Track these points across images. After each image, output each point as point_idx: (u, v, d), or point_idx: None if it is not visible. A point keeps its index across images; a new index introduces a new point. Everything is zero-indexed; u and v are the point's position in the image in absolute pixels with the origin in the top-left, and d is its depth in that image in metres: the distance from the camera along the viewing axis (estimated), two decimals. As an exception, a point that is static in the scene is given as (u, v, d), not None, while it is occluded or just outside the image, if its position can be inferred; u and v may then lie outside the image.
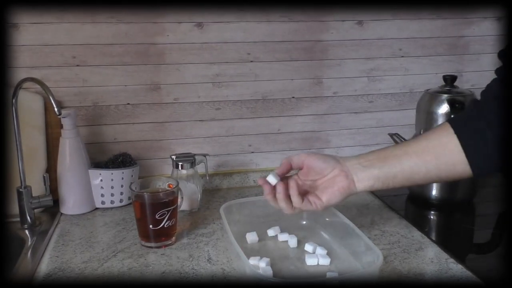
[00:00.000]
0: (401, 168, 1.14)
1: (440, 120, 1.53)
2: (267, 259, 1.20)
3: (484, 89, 1.14)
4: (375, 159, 1.16)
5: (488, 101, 1.11)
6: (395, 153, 1.15)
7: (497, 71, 1.12)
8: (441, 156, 1.12)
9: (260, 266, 1.17)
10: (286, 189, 1.17)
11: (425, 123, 1.57)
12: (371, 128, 1.83)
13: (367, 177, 1.15)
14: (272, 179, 1.18)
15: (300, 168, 1.22)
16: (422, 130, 1.58)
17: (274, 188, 1.18)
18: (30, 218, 1.42)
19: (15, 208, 1.42)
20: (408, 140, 1.13)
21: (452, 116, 1.07)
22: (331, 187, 1.17)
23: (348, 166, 1.16)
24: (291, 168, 1.21)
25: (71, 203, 1.51)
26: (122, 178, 1.54)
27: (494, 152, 1.08)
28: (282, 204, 1.17)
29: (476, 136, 1.09)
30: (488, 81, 1.13)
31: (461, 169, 1.11)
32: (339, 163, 1.17)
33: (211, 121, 1.70)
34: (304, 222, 1.42)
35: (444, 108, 1.52)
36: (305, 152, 1.22)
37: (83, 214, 1.52)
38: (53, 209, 1.50)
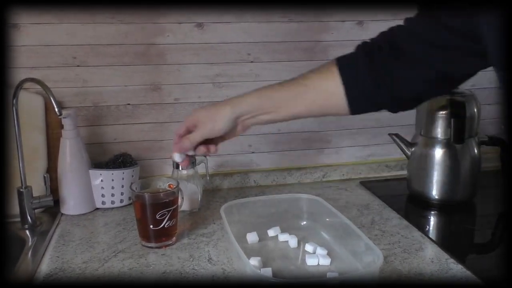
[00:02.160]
0: (285, 114, 1.20)
1: (441, 121, 1.53)
2: (258, 258, 1.20)
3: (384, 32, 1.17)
4: (262, 105, 1.20)
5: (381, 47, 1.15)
6: (286, 102, 1.19)
7: (406, 20, 1.14)
8: (328, 107, 1.20)
9: (252, 264, 1.17)
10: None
11: (426, 123, 1.57)
12: (371, 128, 1.83)
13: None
14: (177, 158, 1.23)
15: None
16: (422, 131, 1.58)
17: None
18: (31, 218, 1.42)
19: (15, 209, 1.42)
20: (298, 85, 1.17)
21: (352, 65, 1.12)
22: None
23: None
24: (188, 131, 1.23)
25: (72, 203, 1.51)
26: (123, 179, 1.54)
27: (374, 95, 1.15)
28: None
29: (358, 81, 1.14)
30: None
31: (342, 110, 1.18)
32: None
33: (211, 121, 1.70)
34: (305, 222, 1.42)
35: (444, 109, 1.52)
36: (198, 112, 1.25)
37: (84, 214, 1.52)
38: (53, 209, 1.51)
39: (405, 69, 1.11)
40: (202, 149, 1.22)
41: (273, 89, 1.19)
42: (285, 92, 1.18)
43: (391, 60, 1.12)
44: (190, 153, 1.22)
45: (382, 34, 1.17)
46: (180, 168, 1.50)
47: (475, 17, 0.95)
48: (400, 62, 1.11)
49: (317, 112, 1.24)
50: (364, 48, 1.17)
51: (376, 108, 1.20)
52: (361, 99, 1.16)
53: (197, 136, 1.20)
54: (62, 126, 1.48)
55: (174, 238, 1.34)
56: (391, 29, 1.15)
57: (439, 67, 1.09)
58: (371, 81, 1.13)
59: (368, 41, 1.18)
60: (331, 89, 1.16)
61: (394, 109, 1.20)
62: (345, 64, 1.16)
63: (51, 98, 1.30)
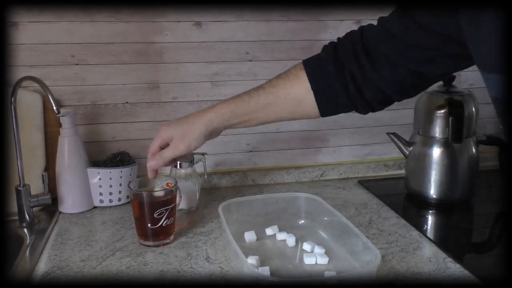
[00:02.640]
0: (256, 122, 1.25)
1: (439, 120, 1.53)
2: (256, 257, 1.20)
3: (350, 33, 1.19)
4: (232, 119, 1.23)
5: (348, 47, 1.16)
6: (256, 113, 1.22)
7: (380, 19, 1.15)
8: (298, 112, 1.23)
9: (249, 262, 1.17)
10: None
11: (424, 122, 1.57)
12: (369, 128, 1.84)
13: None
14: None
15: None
16: (420, 130, 1.59)
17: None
18: (29, 217, 1.42)
19: (13, 207, 1.42)
20: (267, 94, 1.20)
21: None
22: None
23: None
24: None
25: (70, 201, 1.51)
26: (121, 177, 1.54)
27: (342, 96, 1.17)
28: None
29: (326, 84, 1.17)
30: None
31: (313, 114, 1.22)
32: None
33: (209, 120, 1.70)
34: (303, 221, 1.42)
35: (442, 108, 1.52)
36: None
37: (82, 212, 1.52)
38: (51, 207, 1.50)
39: (377, 70, 1.12)
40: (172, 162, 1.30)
41: (242, 101, 1.22)
42: (254, 103, 1.21)
43: (361, 62, 1.12)
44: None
45: (351, 33, 1.18)
46: (179, 167, 1.51)
47: (455, 18, 0.95)
48: (371, 63, 1.12)
49: (287, 118, 1.27)
50: (332, 50, 1.18)
51: (346, 110, 1.22)
52: (330, 102, 1.19)
53: (170, 155, 1.24)
54: (60, 125, 1.48)
55: (172, 237, 1.34)
56: (361, 29, 1.16)
57: (412, 68, 1.09)
58: (340, 84, 1.15)
59: (335, 41, 1.20)
60: (300, 95, 1.19)
61: (364, 110, 1.21)
62: (313, 69, 1.19)
63: (50, 97, 1.30)
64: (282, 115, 1.24)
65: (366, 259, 1.14)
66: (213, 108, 1.23)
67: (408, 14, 1.07)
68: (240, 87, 1.65)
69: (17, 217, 1.42)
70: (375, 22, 1.12)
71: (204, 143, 1.25)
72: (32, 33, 1.52)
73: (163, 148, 1.25)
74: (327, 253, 1.25)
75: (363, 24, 1.20)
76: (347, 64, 1.14)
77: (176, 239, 1.35)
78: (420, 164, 1.59)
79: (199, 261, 1.24)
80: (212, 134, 1.24)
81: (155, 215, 1.28)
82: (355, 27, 1.68)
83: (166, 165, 1.27)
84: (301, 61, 1.23)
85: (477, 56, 0.94)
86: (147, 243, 1.32)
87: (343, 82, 1.14)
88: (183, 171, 1.52)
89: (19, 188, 1.40)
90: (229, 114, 1.21)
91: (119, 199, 1.56)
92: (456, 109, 1.50)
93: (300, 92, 1.19)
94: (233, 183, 1.76)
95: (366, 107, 1.19)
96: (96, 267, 1.22)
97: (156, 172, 1.27)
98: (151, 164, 1.25)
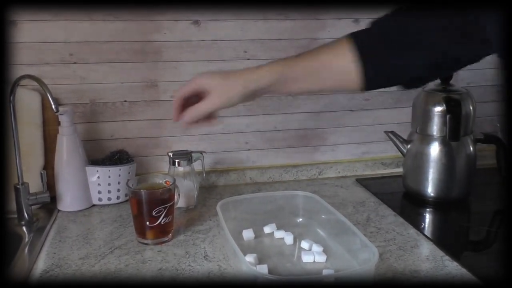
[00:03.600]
0: (298, 90, 1.21)
1: (436, 119, 1.54)
2: (254, 255, 1.21)
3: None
4: (275, 83, 1.17)
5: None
6: (298, 80, 1.17)
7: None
8: (341, 83, 1.18)
9: (247, 260, 1.17)
10: None
11: (421, 121, 1.58)
12: (367, 126, 1.84)
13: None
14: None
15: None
16: (418, 128, 1.59)
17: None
18: (28, 215, 1.42)
19: (12, 205, 1.43)
20: (312, 61, 1.16)
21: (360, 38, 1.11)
22: None
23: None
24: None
25: (68, 199, 1.51)
26: (119, 175, 1.54)
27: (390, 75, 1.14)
28: None
29: (374, 59, 1.13)
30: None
31: (356, 86, 1.16)
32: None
33: (208, 118, 1.70)
34: (300, 220, 1.43)
35: (440, 106, 1.53)
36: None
37: (80, 210, 1.52)
38: (50, 205, 1.51)
39: (418, 51, 1.09)
40: (202, 121, 1.20)
41: (286, 65, 1.16)
42: (299, 69, 1.16)
43: (406, 40, 1.10)
44: None
45: (393, 12, 1.14)
46: (177, 165, 1.51)
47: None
48: (405, 45, 1.10)
49: (328, 89, 1.25)
50: (379, 25, 1.15)
51: (388, 85, 1.19)
52: (375, 76, 1.14)
53: (207, 108, 1.17)
54: (59, 123, 1.48)
55: (170, 235, 1.35)
56: (399, 9, 1.13)
57: (441, 51, 1.08)
58: (386, 59, 1.12)
59: (381, 17, 1.15)
60: (344, 67, 1.14)
61: (407, 86, 1.19)
62: (360, 40, 1.14)
63: (48, 95, 1.30)
64: (324, 85, 1.19)
65: (364, 257, 1.14)
66: (258, 68, 1.17)
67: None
68: (238, 85, 1.66)
69: (16, 215, 1.42)
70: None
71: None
72: (31, 31, 1.52)
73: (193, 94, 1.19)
74: (325, 251, 1.25)
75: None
76: (394, 38, 1.11)
77: (175, 237, 1.36)
78: (417, 162, 1.59)
79: (197, 259, 1.25)
80: (251, 96, 1.18)
81: (153, 213, 1.29)
82: (353, 26, 1.71)
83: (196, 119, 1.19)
84: (349, 33, 1.18)
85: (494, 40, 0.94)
86: (146, 241, 1.32)
87: (391, 56, 1.11)
88: (181, 169, 1.52)
89: (18, 186, 1.41)
90: (272, 76, 1.16)
91: (118, 197, 1.56)
92: (454, 108, 1.50)
93: (344, 63, 1.14)
94: (231, 181, 1.76)
95: (410, 82, 1.17)
96: (95, 265, 1.22)
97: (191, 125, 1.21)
98: (187, 117, 1.17)
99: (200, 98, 1.18)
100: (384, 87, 1.20)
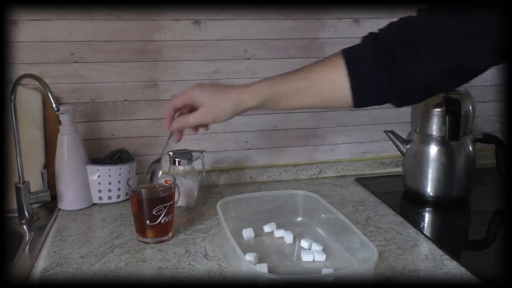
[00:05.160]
0: (288, 107, 1.20)
1: (436, 118, 1.54)
2: (254, 254, 1.21)
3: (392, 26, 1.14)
4: (265, 101, 1.18)
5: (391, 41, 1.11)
6: (288, 97, 1.18)
7: (419, 11, 1.11)
8: (332, 101, 1.17)
9: (247, 259, 1.17)
10: None
11: (421, 120, 1.58)
12: (366, 125, 1.84)
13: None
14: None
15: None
16: (417, 128, 1.59)
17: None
18: (28, 214, 1.43)
19: (13, 204, 1.43)
20: (303, 79, 1.16)
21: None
22: None
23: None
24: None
25: (69, 198, 1.52)
26: (120, 174, 1.54)
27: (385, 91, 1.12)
28: None
29: (365, 76, 1.12)
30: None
31: (346, 103, 1.15)
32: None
33: (208, 118, 1.70)
34: (300, 219, 1.43)
35: (439, 106, 1.53)
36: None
37: (81, 209, 1.53)
38: (51, 204, 1.51)
39: (418, 62, 1.07)
40: (192, 130, 1.24)
41: (277, 83, 1.18)
42: (289, 86, 1.17)
43: (401, 53, 1.08)
44: None
45: (391, 25, 1.13)
46: (177, 164, 1.51)
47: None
48: (411, 54, 1.07)
49: (319, 105, 1.22)
50: (372, 40, 1.13)
51: (381, 101, 1.18)
52: (367, 92, 1.14)
53: (195, 121, 1.20)
54: (59, 122, 1.49)
55: (170, 234, 1.35)
56: (402, 20, 1.11)
57: (453, 58, 1.05)
58: (379, 74, 1.10)
59: (376, 32, 1.14)
60: (335, 83, 1.14)
61: (398, 102, 1.18)
62: (352, 57, 1.13)
63: (49, 94, 1.31)
64: (314, 102, 1.19)
65: (363, 256, 1.15)
66: (248, 87, 1.18)
67: (444, 9, 1.05)
68: (239, 85, 1.66)
69: (16, 214, 1.43)
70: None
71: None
72: (32, 31, 1.53)
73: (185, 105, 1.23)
74: (324, 250, 1.25)
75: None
76: (387, 56, 1.09)
77: (175, 236, 1.36)
78: (417, 162, 1.60)
79: (198, 258, 1.25)
80: (241, 112, 1.20)
81: (153, 212, 1.29)
82: (353, 26, 1.71)
83: (183, 129, 1.24)
84: (341, 49, 1.17)
85: None
86: (146, 240, 1.32)
87: (384, 71, 1.10)
88: (181, 168, 1.52)
89: (19, 185, 1.41)
90: (262, 96, 1.17)
91: (118, 196, 1.56)
92: (453, 107, 1.50)
93: (336, 80, 1.14)
94: (231, 180, 1.76)
95: (403, 99, 1.17)
96: (95, 263, 1.22)
97: (181, 134, 1.26)
98: (175, 126, 1.22)
99: (194, 108, 1.21)
100: (376, 103, 1.19)
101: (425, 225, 1.51)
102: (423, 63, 1.07)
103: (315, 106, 1.22)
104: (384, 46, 1.10)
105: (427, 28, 1.07)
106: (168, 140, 1.28)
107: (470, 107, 1.54)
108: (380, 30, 1.14)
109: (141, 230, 1.33)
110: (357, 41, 1.19)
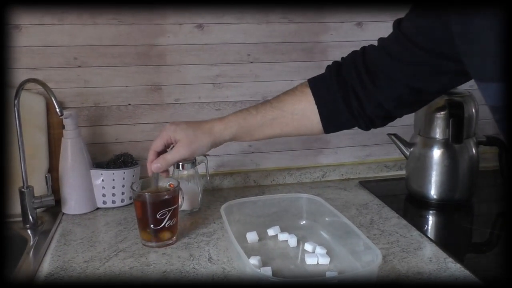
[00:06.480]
0: (262, 136, 1.28)
1: (439, 121, 1.54)
2: (258, 257, 1.21)
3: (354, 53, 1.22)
4: (239, 132, 1.25)
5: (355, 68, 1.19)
6: (261, 128, 1.25)
7: (380, 40, 1.19)
8: (303, 128, 1.26)
9: (251, 263, 1.17)
10: None
11: (424, 123, 1.58)
12: (370, 129, 1.84)
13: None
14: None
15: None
16: (420, 131, 1.59)
17: None
18: (32, 218, 1.43)
19: (17, 208, 1.43)
20: (274, 106, 1.24)
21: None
22: None
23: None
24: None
25: (73, 203, 1.52)
26: (123, 178, 1.55)
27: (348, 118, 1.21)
28: None
29: (329, 100, 1.21)
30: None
31: (316, 130, 1.26)
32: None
33: (211, 121, 1.71)
34: (304, 222, 1.43)
35: (442, 109, 1.53)
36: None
37: (85, 214, 1.53)
38: (55, 209, 1.52)
39: (377, 86, 1.15)
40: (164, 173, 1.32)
41: (250, 114, 1.25)
42: (261, 117, 1.24)
43: (362, 78, 1.16)
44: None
45: (354, 53, 1.21)
46: (181, 168, 1.52)
47: (448, 32, 0.98)
48: (372, 80, 1.15)
49: (292, 134, 1.29)
50: (335, 68, 1.21)
51: (349, 125, 1.25)
52: (333, 118, 1.22)
53: (174, 159, 1.26)
54: (63, 126, 1.49)
55: (174, 238, 1.35)
56: (363, 49, 1.20)
57: (410, 84, 1.13)
58: (343, 100, 1.18)
59: (339, 61, 1.23)
60: (305, 111, 1.22)
61: (365, 126, 1.24)
62: (317, 85, 1.22)
63: (53, 99, 1.31)
64: (287, 130, 1.27)
65: (367, 259, 1.15)
66: (222, 120, 1.25)
67: (403, 34, 1.10)
68: (242, 88, 1.68)
69: (20, 219, 1.43)
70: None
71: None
72: (35, 35, 1.53)
73: (165, 146, 1.28)
74: (328, 253, 1.25)
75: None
76: (349, 80, 1.18)
77: (179, 240, 1.36)
78: (420, 165, 1.60)
79: (202, 261, 1.25)
80: (217, 144, 1.26)
81: (157, 216, 1.29)
82: (356, 29, 1.72)
83: (164, 169, 1.28)
84: (307, 79, 1.26)
85: (472, 67, 0.97)
86: (150, 244, 1.32)
87: (346, 97, 1.18)
88: (185, 172, 1.52)
89: (23, 190, 1.41)
90: (237, 127, 1.24)
91: (122, 200, 1.57)
92: (456, 110, 1.51)
93: (305, 108, 1.22)
94: (235, 184, 1.76)
95: (367, 122, 1.22)
96: (99, 267, 1.22)
97: (166, 172, 1.30)
98: (154, 167, 1.26)
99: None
100: (343, 129, 1.27)
101: (429, 227, 1.51)
102: (382, 90, 1.15)
103: (288, 133, 1.29)
104: (345, 74, 1.19)
105: (381, 56, 1.15)
106: (156, 181, 1.37)
107: (473, 110, 1.54)
108: (342, 59, 1.23)
109: (145, 234, 1.33)
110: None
